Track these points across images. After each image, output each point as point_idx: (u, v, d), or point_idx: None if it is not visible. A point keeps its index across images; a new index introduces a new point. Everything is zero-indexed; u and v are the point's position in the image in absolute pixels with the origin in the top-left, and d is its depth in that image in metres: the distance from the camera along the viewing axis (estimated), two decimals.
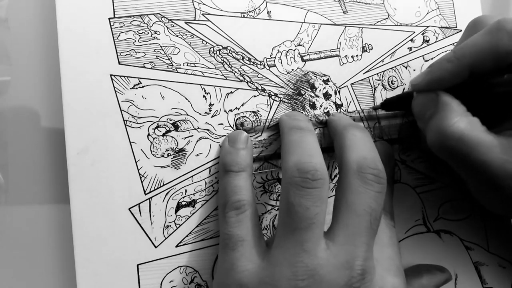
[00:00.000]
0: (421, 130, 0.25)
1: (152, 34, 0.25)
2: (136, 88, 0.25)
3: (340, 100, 0.29)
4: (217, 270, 0.23)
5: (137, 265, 0.25)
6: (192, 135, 0.26)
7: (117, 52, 0.25)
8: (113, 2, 0.25)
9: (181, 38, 0.26)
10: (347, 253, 0.21)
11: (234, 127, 0.27)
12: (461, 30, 0.33)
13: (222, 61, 0.27)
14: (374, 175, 0.22)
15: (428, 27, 0.32)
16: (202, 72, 0.26)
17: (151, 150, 0.25)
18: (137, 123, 0.25)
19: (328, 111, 0.29)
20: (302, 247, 0.21)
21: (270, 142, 0.27)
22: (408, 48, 0.31)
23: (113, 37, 0.25)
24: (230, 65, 0.27)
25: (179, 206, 0.26)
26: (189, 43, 0.26)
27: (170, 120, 0.26)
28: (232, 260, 0.22)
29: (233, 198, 0.24)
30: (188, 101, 0.26)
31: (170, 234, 0.25)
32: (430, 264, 0.29)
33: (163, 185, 0.25)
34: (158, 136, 0.25)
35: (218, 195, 0.26)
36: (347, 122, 0.26)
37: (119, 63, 0.25)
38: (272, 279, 0.21)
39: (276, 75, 0.28)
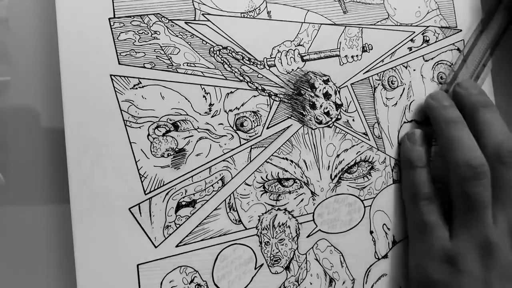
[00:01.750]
0: None
1: (152, 34, 0.25)
2: (136, 88, 0.25)
3: (340, 100, 0.29)
4: (412, 253, 0.29)
5: (137, 265, 0.25)
6: (192, 135, 0.26)
7: (117, 52, 0.25)
8: (113, 2, 0.25)
9: (181, 38, 0.26)
10: (507, 222, 0.27)
11: (234, 127, 0.27)
12: (461, 30, 0.33)
13: (222, 61, 0.27)
14: (511, 156, 0.27)
15: (428, 27, 0.32)
16: (202, 72, 0.26)
17: (151, 150, 0.25)
18: (137, 123, 0.25)
19: (328, 111, 0.29)
20: (482, 224, 0.26)
21: (271, 141, 0.27)
22: (408, 48, 0.31)
23: (113, 37, 0.25)
24: (230, 65, 0.27)
25: (179, 206, 0.26)
26: (189, 43, 0.26)
27: (170, 120, 0.26)
28: (430, 242, 0.27)
29: (424, 190, 0.28)
30: (188, 101, 0.26)
31: (170, 234, 0.25)
32: None
33: (163, 185, 0.25)
34: (158, 136, 0.25)
35: (404, 187, 0.30)
36: (476, 100, 0.29)
37: (119, 63, 0.25)
38: (465, 250, 0.26)
39: (276, 75, 0.28)
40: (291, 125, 0.28)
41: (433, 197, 0.28)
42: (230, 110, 0.27)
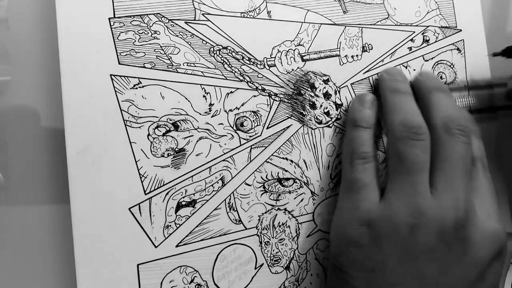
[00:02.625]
0: None
1: (152, 34, 0.25)
2: (136, 88, 0.25)
3: (340, 100, 0.29)
4: (338, 211, 0.27)
5: (137, 265, 0.25)
6: (192, 135, 0.26)
7: (117, 52, 0.25)
8: (113, 2, 0.25)
9: (181, 38, 0.26)
10: (450, 196, 0.24)
11: (234, 127, 0.27)
12: (461, 30, 0.33)
13: (222, 61, 0.27)
14: (460, 129, 0.26)
15: (428, 26, 0.32)
16: (202, 72, 0.26)
17: (151, 150, 0.25)
18: (137, 123, 0.25)
19: (328, 111, 0.29)
20: (415, 189, 0.24)
21: (271, 141, 0.27)
22: (408, 48, 0.31)
23: (113, 37, 0.25)
24: (230, 65, 0.27)
25: (179, 206, 0.26)
26: (189, 43, 0.26)
27: (170, 120, 0.26)
28: (355, 202, 0.26)
29: (361, 149, 0.27)
30: (188, 101, 0.26)
31: (170, 234, 0.25)
32: None
33: (163, 185, 0.25)
34: (158, 136, 0.25)
35: (344, 145, 0.28)
36: (432, 85, 0.28)
37: (119, 63, 0.25)
38: (391, 216, 0.24)
39: (276, 75, 0.28)
40: (291, 125, 0.28)
41: (371, 158, 0.27)
42: (230, 110, 0.27)
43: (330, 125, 0.29)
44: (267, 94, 0.27)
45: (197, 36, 0.26)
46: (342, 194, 0.27)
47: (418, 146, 0.25)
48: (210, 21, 0.27)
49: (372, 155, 0.27)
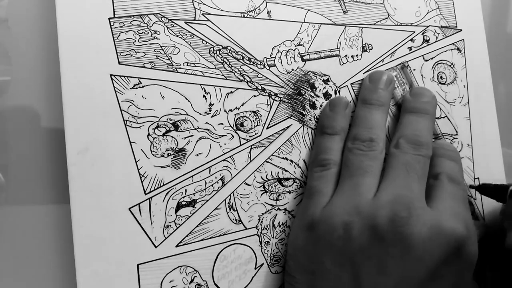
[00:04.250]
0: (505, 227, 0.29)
1: (152, 34, 0.25)
2: (136, 88, 0.25)
3: None
4: (296, 213, 0.28)
5: (137, 265, 0.25)
6: (192, 135, 0.26)
7: (117, 52, 0.25)
8: (113, 2, 0.25)
9: (181, 38, 0.26)
10: (389, 194, 0.24)
11: (234, 127, 0.27)
12: (461, 30, 0.33)
13: (222, 61, 0.27)
14: (410, 145, 0.26)
15: (428, 26, 0.32)
16: (202, 72, 0.26)
17: (151, 150, 0.25)
18: (137, 123, 0.25)
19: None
20: (356, 191, 0.24)
21: (271, 141, 0.27)
22: (408, 48, 0.31)
23: (113, 37, 0.25)
24: (230, 65, 0.27)
25: (179, 206, 0.26)
26: (189, 43, 0.26)
27: (170, 120, 0.26)
28: (305, 207, 0.26)
29: (321, 156, 0.27)
30: (188, 101, 0.26)
31: (170, 234, 0.25)
32: None
33: (163, 185, 0.25)
34: (158, 136, 0.25)
35: (312, 151, 0.28)
36: (412, 106, 0.29)
37: (119, 63, 0.25)
38: (329, 218, 0.24)
39: (276, 75, 0.28)
40: (291, 125, 0.28)
41: (331, 165, 0.26)
42: (230, 110, 0.27)
43: None
44: (267, 94, 0.27)
45: (197, 36, 0.26)
46: (302, 200, 0.28)
47: (365, 155, 0.26)
48: (210, 21, 0.27)
49: (333, 162, 0.26)
